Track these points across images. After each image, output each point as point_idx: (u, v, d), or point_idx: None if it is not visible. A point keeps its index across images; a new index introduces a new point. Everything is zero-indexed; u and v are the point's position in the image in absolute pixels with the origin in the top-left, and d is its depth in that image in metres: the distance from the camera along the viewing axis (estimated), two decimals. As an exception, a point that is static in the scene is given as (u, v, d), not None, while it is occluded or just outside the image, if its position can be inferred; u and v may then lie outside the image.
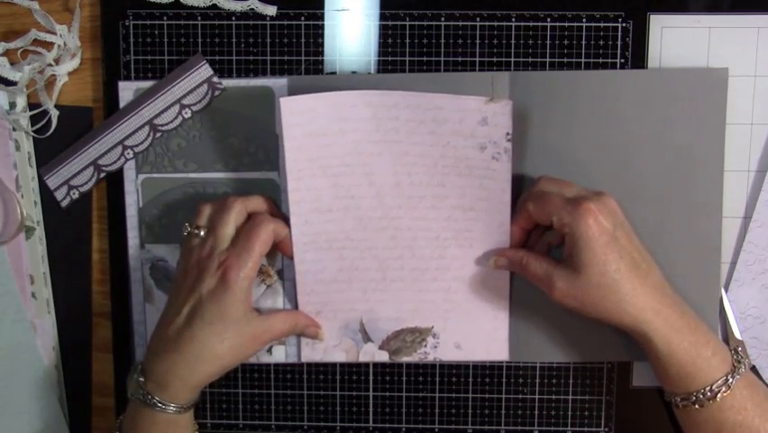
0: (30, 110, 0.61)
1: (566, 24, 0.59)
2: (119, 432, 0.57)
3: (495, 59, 0.60)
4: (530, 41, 0.60)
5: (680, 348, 0.52)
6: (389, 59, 0.60)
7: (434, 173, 0.57)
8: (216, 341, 0.54)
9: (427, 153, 0.57)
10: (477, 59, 0.60)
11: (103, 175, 0.61)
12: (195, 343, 0.54)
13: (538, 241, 0.59)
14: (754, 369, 0.60)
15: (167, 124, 0.60)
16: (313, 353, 0.61)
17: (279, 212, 0.60)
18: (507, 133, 0.56)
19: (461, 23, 0.60)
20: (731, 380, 0.52)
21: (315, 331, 0.60)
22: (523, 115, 0.58)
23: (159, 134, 0.61)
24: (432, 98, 0.56)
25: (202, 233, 0.56)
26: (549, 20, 0.60)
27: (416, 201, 0.58)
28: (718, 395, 0.52)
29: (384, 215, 0.58)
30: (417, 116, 0.56)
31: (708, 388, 0.52)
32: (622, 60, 0.60)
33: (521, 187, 0.59)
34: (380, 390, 0.63)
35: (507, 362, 0.62)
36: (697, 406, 0.52)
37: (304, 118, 0.56)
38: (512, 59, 0.60)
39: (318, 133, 0.56)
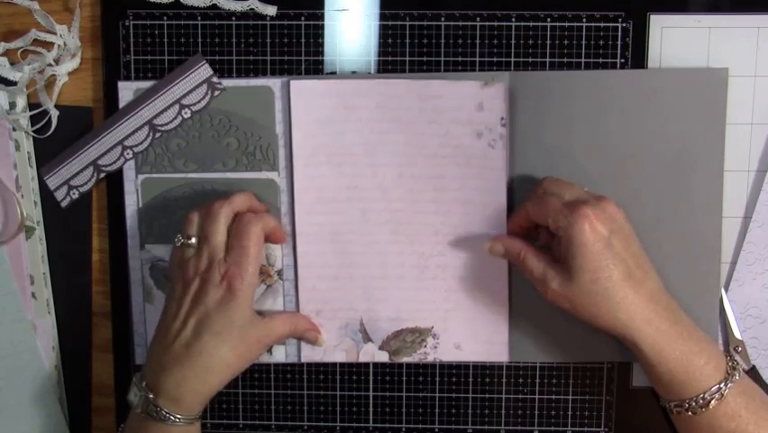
0: (30, 110, 0.61)
1: (566, 24, 0.59)
2: None
3: (495, 59, 0.60)
4: (530, 41, 0.60)
5: (670, 357, 0.52)
6: (389, 59, 0.60)
7: (434, 164, 0.58)
8: (225, 350, 0.54)
9: (427, 144, 0.58)
10: (477, 59, 0.60)
11: (103, 175, 0.61)
12: (204, 355, 0.53)
13: (537, 239, 0.58)
14: (753, 369, 0.60)
15: (166, 124, 0.60)
16: (313, 353, 0.62)
17: (260, 203, 0.59)
18: (502, 118, 0.56)
19: (461, 23, 0.60)
20: (724, 388, 0.51)
21: (314, 336, 0.60)
22: (523, 114, 0.59)
23: (158, 134, 0.61)
24: (432, 85, 0.58)
25: (193, 241, 0.56)
26: (549, 20, 0.59)
27: (416, 194, 0.59)
28: (711, 403, 0.51)
29: (386, 207, 0.59)
30: (418, 105, 0.58)
31: (701, 396, 0.51)
32: (622, 60, 0.59)
33: (521, 187, 0.59)
34: (380, 390, 0.63)
35: (507, 362, 0.62)
36: (690, 413, 0.52)
37: (312, 103, 0.58)
38: (512, 59, 0.60)
39: (324, 119, 0.58)
